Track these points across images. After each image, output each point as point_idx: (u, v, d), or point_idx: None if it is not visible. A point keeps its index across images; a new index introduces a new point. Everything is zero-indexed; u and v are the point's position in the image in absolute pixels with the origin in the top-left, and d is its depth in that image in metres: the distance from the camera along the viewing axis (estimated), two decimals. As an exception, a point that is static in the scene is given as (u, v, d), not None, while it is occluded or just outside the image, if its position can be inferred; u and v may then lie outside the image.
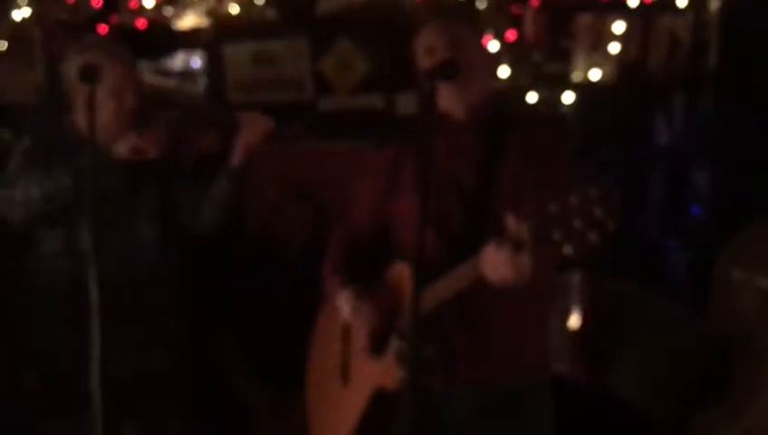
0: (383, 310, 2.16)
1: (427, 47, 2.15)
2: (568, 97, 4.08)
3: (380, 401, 2.14)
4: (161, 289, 2.60)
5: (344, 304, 2.20)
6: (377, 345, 2.17)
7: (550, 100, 4.08)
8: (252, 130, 2.56)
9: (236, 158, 2.57)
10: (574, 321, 3.37)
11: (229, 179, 2.59)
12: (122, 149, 2.48)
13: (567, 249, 1.64)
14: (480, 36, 2.24)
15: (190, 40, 4.38)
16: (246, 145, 2.56)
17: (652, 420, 3.13)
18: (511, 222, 1.77)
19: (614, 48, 4.03)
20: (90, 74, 2.16)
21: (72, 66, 2.49)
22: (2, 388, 3.02)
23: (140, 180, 2.57)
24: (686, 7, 3.97)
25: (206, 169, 2.64)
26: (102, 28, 4.30)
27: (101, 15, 4.32)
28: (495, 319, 2.07)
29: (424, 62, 2.14)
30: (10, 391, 2.91)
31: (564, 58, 4.10)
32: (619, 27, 4.01)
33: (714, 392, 2.94)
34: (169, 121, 2.63)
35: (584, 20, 4.06)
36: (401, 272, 2.13)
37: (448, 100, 2.13)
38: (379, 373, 2.15)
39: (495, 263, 1.83)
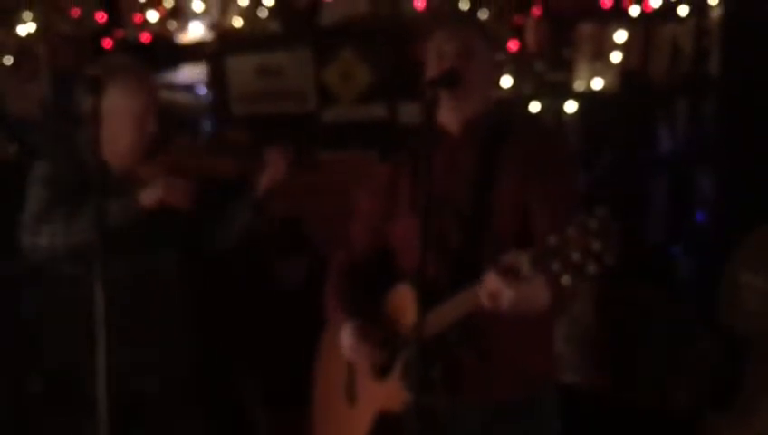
0: (384, 340, 2.15)
1: (437, 52, 2.14)
2: (570, 106, 4.09)
3: (386, 423, 2.14)
4: (176, 309, 2.61)
5: (344, 341, 2.19)
6: (382, 368, 2.17)
7: (552, 109, 4.09)
8: (279, 165, 2.56)
9: (261, 191, 2.58)
10: (584, 330, 3.37)
11: (252, 210, 2.61)
12: (147, 200, 2.43)
13: (565, 280, 1.66)
14: (491, 46, 2.22)
15: (194, 53, 4.40)
16: (274, 180, 2.57)
17: (663, 424, 3.13)
18: (510, 256, 1.79)
19: (616, 57, 4.04)
20: (95, 87, 2.17)
21: (111, 96, 2.45)
22: (6, 390, 3.02)
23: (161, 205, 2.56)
24: (688, 15, 3.98)
25: (223, 192, 2.65)
26: (107, 42, 4.33)
27: (106, 30, 4.35)
28: (499, 336, 2.07)
29: (433, 66, 2.14)
30: (14, 392, 2.93)
31: (566, 67, 4.11)
32: (620, 36, 4.03)
33: (723, 396, 2.94)
34: (191, 148, 2.64)
35: (586, 29, 4.07)
36: (403, 294, 2.12)
37: (446, 112, 2.13)
38: (384, 395, 2.15)
39: (495, 294, 1.84)
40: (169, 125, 2.60)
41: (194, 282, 2.67)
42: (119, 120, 2.44)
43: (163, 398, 2.58)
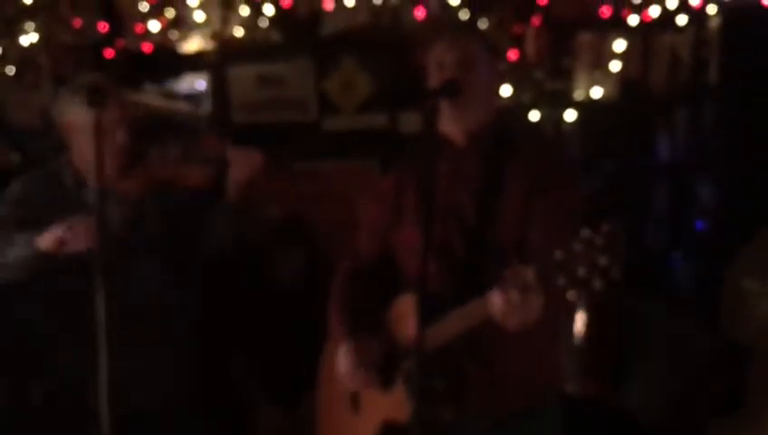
0: (382, 359, 2.15)
1: (438, 62, 2.15)
2: (570, 115, 4.11)
3: (391, 432, 2.14)
4: (164, 320, 2.56)
5: (340, 365, 2.18)
6: (386, 379, 2.17)
7: (552, 117, 4.11)
8: (240, 166, 2.49)
9: (229, 194, 2.51)
10: (580, 338, 3.38)
11: (227, 215, 2.53)
12: (45, 242, 2.30)
13: (571, 295, 1.67)
14: (490, 56, 2.24)
15: (195, 63, 4.43)
16: (237, 182, 2.50)
17: (664, 433, 3.13)
18: (517, 269, 1.79)
19: (615, 66, 4.07)
20: (96, 97, 2.19)
21: (66, 107, 2.46)
22: (7, 403, 3.02)
23: (142, 214, 2.54)
24: (686, 25, 4.00)
25: (207, 199, 2.61)
26: (109, 52, 4.35)
27: (108, 40, 4.37)
28: (504, 348, 2.07)
29: (434, 77, 2.15)
30: (15, 406, 2.92)
31: (566, 76, 4.14)
32: (619, 45, 4.05)
33: (726, 404, 2.95)
34: (165, 156, 2.61)
35: (585, 39, 4.10)
36: (407, 303, 2.12)
37: (449, 122, 2.13)
38: (389, 405, 2.15)
39: (502, 307, 1.84)
40: (146, 138, 2.57)
41: (182, 292, 2.61)
42: (84, 135, 2.36)
43: (161, 409, 2.55)
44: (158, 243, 2.55)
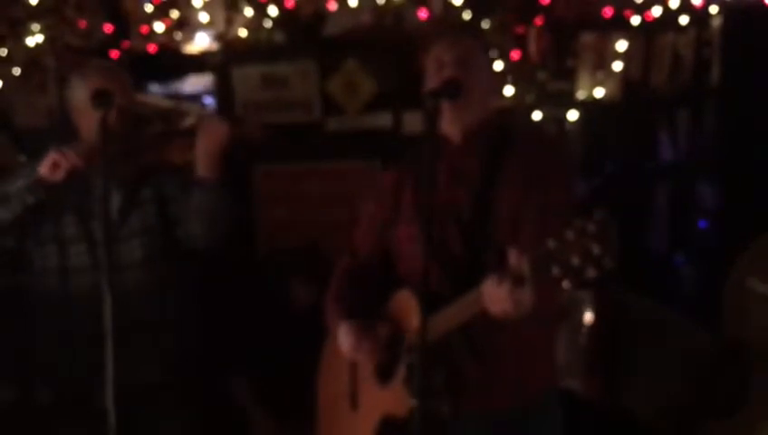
0: (384, 341, 2.17)
1: (437, 62, 2.18)
2: (572, 115, 4.13)
3: (390, 427, 2.16)
4: (154, 304, 2.57)
5: (343, 340, 2.21)
6: (384, 373, 2.19)
7: (554, 118, 4.13)
8: (207, 135, 2.46)
9: (200, 166, 2.48)
10: (584, 338, 3.39)
11: (201, 190, 2.48)
12: (43, 168, 2.40)
13: (565, 284, 1.67)
14: (488, 57, 2.26)
15: (200, 63, 4.45)
16: (206, 152, 2.46)
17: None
18: (513, 257, 1.80)
19: (617, 66, 4.08)
20: (102, 100, 2.22)
21: (77, 90, 2.52)
22: (15, 401, 3.04)
23: (135, 196, 2.57)
24: (688, 25, 4.01)
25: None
26: (114, 53, 4.37)
27: (113, 40, 4.40)
28: (502, 344, 2.09)
29: (433, 76, 2.18)
30: (23, 404, 2.94)
31: (568, 76, 4.14)
32: (621, 45, 4.06)
33: (727, 406, 2.95)
34: (149, 137, 2.63)
35: (587, 39, 4.11)
36: (404, 299, 2.15)
37: (447, 121, 2.16)
38: (387, 400, 2.17)
39: (496, 297, 1.85)
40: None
41: (165, 279, 2.60)
42: (88, 117, 2.40)
43: (146, 395, 2.53)
44: (152, 224, 2.57)
